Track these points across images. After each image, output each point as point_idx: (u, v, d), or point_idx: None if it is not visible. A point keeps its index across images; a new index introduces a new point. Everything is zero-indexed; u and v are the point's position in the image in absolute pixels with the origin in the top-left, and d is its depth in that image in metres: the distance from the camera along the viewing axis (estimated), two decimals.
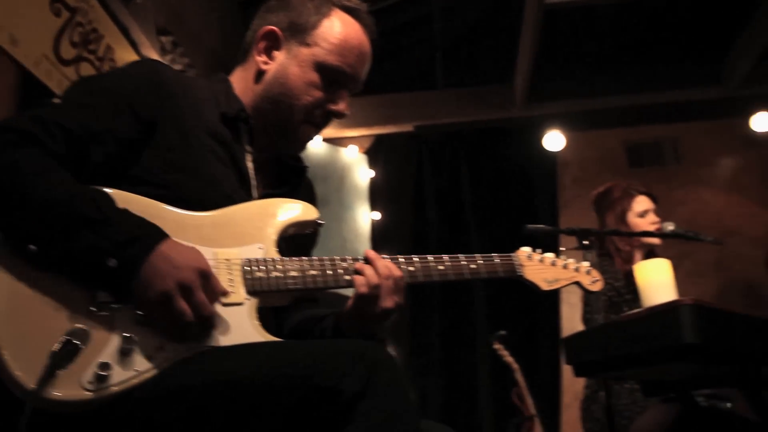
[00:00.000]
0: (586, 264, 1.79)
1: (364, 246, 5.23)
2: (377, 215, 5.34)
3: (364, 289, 1.46)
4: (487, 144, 5.56)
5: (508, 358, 4.44)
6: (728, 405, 3.61)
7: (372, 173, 5.46)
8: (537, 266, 1.69)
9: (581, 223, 2.74)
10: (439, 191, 5.43)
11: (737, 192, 5.62)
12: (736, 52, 5.24)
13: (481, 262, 1.61)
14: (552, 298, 5.18)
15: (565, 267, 1.74)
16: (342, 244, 5.18)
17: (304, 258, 1.48)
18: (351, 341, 1.26)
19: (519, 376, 4.40)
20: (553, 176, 5.54)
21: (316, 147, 5.34)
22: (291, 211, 1.53)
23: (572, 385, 4.70)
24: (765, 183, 5.41)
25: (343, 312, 1.55)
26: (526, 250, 1.71)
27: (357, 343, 1.24)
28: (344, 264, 1.49)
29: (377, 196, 5.41)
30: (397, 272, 1.49)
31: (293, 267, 1.45)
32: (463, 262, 1.59)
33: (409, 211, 5.35)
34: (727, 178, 5.67)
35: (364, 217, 5.38)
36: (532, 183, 5.49)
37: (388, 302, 1.47)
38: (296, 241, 1.57)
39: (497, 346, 4.50)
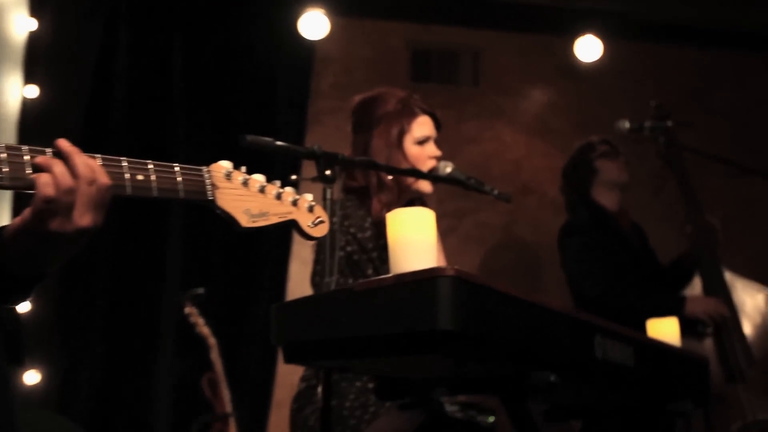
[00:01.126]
0: (308, 197, 1.83)
1: (5, 136, 4.92)
2: (34, 91, 5.04)
3: (49, 191, 1.45)
4: (217, 14, 5.45)
5: (204, 329, 4.44)
6: (490, 419, 3.89)
7: (33, 24, 5.12)
8: (238, 191, 1.72)
9: (338, 147, 2.74)
10: (136, 68, 5.22)
11: (543, 136, 6.03)
12: None
13: (153, 172, 1.59)
14: (279, 250, 5.25)
15: (278, 197, 1.77)
16: None
17: None
18: None
19: (216, 357, 4.41)
20: (306, 76, 5.58)
21: None
22: None
23: (290, 376, 4.79)
24: (578, 130, 5.83)
25: (8, 228, 1.52)
26: (225, 165, 1.72)
27: None
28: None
29: (38, 61, 5.08)
30: (103, 178, 1.51)
31: None
32: (124, 168, 1.56)
33: (86, 91, 5.10)
34: (535, 115, 6.06)
35: (13, 90, 5.07)
36: (276, 81, 5.49)
37: (84, 218, 1.48)
38: None
39: (190, 310, 4.47)
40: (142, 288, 5.06)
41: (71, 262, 1.59)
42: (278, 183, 1.81)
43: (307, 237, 1.84)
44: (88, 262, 4.84)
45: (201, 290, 4.53)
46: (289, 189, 1.82)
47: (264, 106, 5.44)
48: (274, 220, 1.77)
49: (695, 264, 4.28)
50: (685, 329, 3.15)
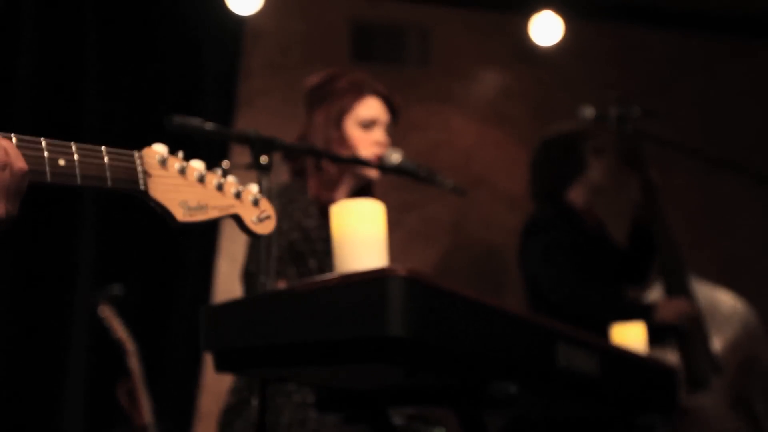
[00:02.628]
0: (254, 188, 1.81)
1: None
2: None
3: None
4: None
5: (121, 333, 4.39)
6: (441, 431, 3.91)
7: None
8: (174, 180, 1.68)
9: (270, 131, 2.73)
10: (45, 37, 5.12)
11: (497, 124, 6.05)
12: None
13: (77, 156, 1.54)
14: (206, 245, 5.22)
15: (220, 188, 1.74)
16: None
17: None
18: None
19: (134, 363, 4.37)
20: (236, 54, 5.52)
21: None
22: None
23: (218, 384, 4.76)
24: (537, 117, 5.88)
25: None
26: (160, 149, 1.68)
27: None
28: None
29: None
30: (19, 162, 1.46)
31: None
32: (43, 150, 1.51)
33: None
34: (488, 101, 6.07)
35: None
36: (202, 58, 5.44)
37: None
38: None
39: (106, 311, 4.42)
40: (50, 285, 4.97)
41: None
42: (219, 171, 1.76)
43: (251, 234, 1.80)
44: None
45: (118, 288, 4.48)
46: (231, 179, 1.78)
47: (188, 85, 5.39)
48: (215, 214, 1.72)
49: (650, 226, 4.29)
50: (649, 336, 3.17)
